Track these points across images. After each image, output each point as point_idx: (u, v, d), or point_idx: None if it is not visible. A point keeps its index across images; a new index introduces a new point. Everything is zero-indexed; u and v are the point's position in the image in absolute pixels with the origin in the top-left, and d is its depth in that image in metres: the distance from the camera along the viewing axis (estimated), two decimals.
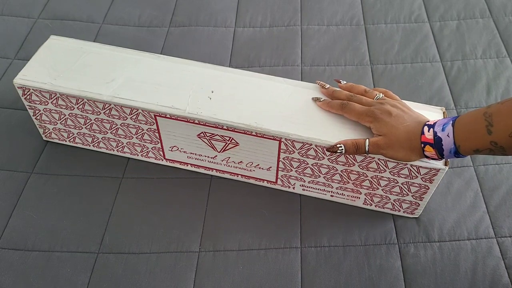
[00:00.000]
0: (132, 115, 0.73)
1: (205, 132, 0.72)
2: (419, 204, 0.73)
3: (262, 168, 0.75)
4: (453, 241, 0.72)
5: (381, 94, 0.69)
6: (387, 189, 0.71)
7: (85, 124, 0.78)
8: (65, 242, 0.73)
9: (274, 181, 0.77)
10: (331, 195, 0.76)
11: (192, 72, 0.75)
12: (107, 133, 0.78)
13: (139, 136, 0.77)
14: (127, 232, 0.74)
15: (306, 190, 0.76)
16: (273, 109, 0.70)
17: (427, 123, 0.62)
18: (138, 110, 0.71)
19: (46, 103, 0.76)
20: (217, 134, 0.71)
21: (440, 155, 0.61)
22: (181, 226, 0.74)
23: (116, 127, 0.76)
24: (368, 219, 0.75)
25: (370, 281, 0.69)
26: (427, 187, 0.69)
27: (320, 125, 0.68)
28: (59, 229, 0.74)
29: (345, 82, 0.74)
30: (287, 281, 0.69)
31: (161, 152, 0.79)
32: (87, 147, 0.83)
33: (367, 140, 0.64)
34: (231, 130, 0.70)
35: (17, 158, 0.82)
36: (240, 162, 0.75)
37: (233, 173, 0.78)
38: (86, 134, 0.80)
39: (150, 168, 0.81)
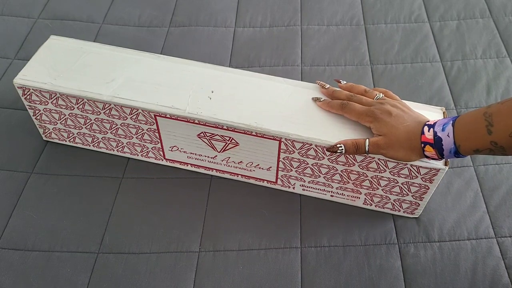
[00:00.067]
0: (132, 115, 0.73)
1: (205, 132, 0.72)
2: (419, 204, 0.73)
3: (262, 168, 0.75)
4: (453, 241, 0.72)
5: (381, 94, 0.69)
6: (387, 189, 0.71)
7: (85, 124, 0.78)
8: (65, 242, 0.73)
9: (274, 181, 0.77)
10: (331, 195, 0.76)
11: (192, 72, 0.75)
12: (107, 133, 0.78)
13: (139, 136, 0.77)
14: (127, 232, 0.74)
15: (306, 190, 0.76)
16: (273, 109, 0.70)
17: (427, 123, 0.62)
18: (138, 110, 0.71)
19: (46, 103, 0.76)
20: (217, 134, 0.71)
21: (440, 155, 0.61)
22: (181, 226, 0.74)
23: (116, 127, 0.76)
24: (368, 219, 0.75)
25: (370, 281, 0.69)
26: (427, 187, 0.69)
27: (320, 125, 0.68)
28: (59, 229, 0.74)
29: (345, 82, 0.74)
30: (287, 281, 0.69)
31: (161, 152, 0.79)
32: (87, 147, 0.83)
33: (367, 140, 0.64)
34: (231, 130, 0.70)
35: (17, 158, 0.82)
36: (240, 162, 0.75)
37: (233, 173, 0.78)
38: (86, 134, 0.80)
39: (150, 168, 0.81)
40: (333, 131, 0.68)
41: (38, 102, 0.76)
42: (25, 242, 0.72)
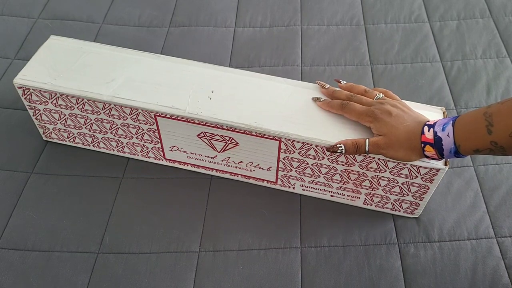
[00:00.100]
0: (132, 115, 0.73)
1: (205, 132, 0.72)
2: (419, 204, 0.73)
3: (262, 168, 0.75)
4: (453, 241, 0.72)
5: (381, 94, 0.69)
6: (387, 189, 0.71)
7: (85, 124, 0.78)
8: (65, 242, 0.73)
9: (274, 181, 0.77)
10: (331, 195, 0.76)
11: (192, 72, 0.75)
12: (107, 133, 0.78)
13: (139, 136, 0.77)
14: (127, 232, 0.74)
15: (306, 190, 0.76)
16: (273, 109, 0.70)
17: (427, 123, 0.62)
18: (138, 110, 0.71)
19: (46, 103, 0.76)
20: (217, 134, 0.71)
21: (440, 155, 0.61)
22: (181, 226, 0.74)
23: (116, 127, 0.76)
24: (368, 219, 0.75)
25: (370, 281, 0.69)
26: (427, 187, 0.69)
27: (320, 125, 0.68)
28: (59, 229, 0.74)
29: (345, 82, 0.74)
30: (287, 281, 0.69)
31: (161, 152, 0.79)
32: (87, 147, 0.83)
33: (367, 140, 0.64)
34: (231, 130, 0.70)
35: (17, 158, 0.82)
36: (240, 162, 0.75)
37: (233, 173, 0.78)
38: (86, 134, 0.80)
39: (150, 168, 0.81)
40: (333, 131, 0.68)
41: (38, 102, 0.76)
42: (25, 242, 0.72)
